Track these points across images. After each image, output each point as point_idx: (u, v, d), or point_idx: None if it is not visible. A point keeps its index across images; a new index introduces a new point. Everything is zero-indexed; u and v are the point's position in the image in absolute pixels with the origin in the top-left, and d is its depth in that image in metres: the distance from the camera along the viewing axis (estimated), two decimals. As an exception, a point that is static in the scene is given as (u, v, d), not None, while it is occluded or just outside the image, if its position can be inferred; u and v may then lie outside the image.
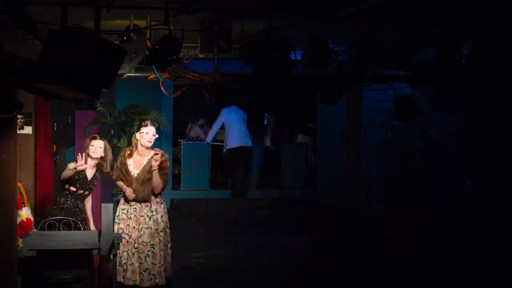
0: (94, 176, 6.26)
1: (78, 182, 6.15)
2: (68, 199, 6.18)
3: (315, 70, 6.19)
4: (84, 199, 6.30)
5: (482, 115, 11.48)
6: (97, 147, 6.19)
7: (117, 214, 6.05)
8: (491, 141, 11.10)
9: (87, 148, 6.19)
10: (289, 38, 5.73)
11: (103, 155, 6.21)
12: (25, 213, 5.22)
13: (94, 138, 6.29)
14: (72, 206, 6.17)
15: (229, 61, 6.91)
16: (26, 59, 4.13)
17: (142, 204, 6.00)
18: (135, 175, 5.99)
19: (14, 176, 4.78)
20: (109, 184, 8.48)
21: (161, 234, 6.03)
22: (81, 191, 6.21)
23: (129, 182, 5.99)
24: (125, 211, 6.02)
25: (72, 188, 6.18)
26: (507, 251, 8.29)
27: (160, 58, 5.50)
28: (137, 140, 6.03)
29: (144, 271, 5.89)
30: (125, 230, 5.94)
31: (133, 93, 9.89)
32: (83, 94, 3.87)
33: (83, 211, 6.27)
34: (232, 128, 11.33)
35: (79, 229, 5.83)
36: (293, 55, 5.86)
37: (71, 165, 6.06)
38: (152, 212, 6.04)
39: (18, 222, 4.98)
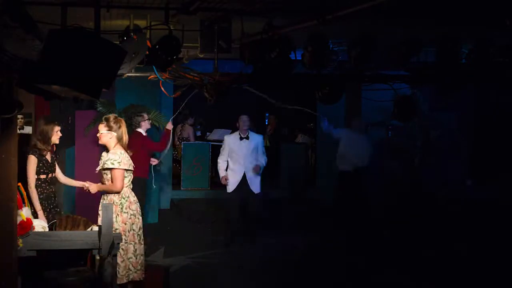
0: (52, 158, 6.57)
1: (45, 168, 6.37)
2: (43, 187, 6.37)
3: (315, 70, 6.18)
4: (55, 181, 6.58)
5: (482, 115, 11.49)
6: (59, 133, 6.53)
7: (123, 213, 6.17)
8: (491, 141, 11.11)
9: (53, 133, 6.44)
10: (289, 38, 5.72)
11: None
12: (25, 213, 5.21)
13: (58, 124, 6.58)
14: (49, 192, 6.44)
15: (229, 61, 6.90)
16: (26, 59, 4.13)
17: (134, 199, 6.32)
18: None
19: (14, 176, 4.78)
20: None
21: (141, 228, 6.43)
22: (51, 175, 6.47)
23: None
24: (134, 207, 6.23)
25: (42, 176, 6.37)
26: (507, 251, 8.30)
27: (160, 58, 5.49)
28: None
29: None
30: (134, 225, 6.20)
31: (133, 93, 9.88)
32: (83, 94, 3.87)
33: (56, 194, 6.64)
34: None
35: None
36: (293, 55, 5.85)
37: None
38: (138, 207, 6.39)
39: (18, 222, 4.98)
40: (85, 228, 5.56)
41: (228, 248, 8.70)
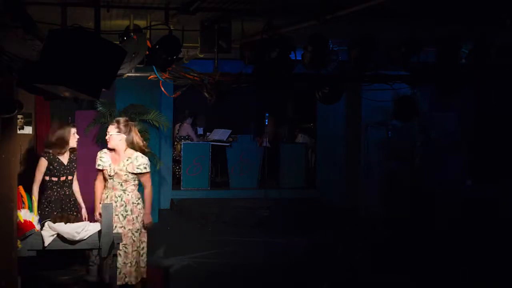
0: (70, 160, 6.33)
1: (56, 170, 6.21)
2: (54, 189, 6.24)
3: (315, 70, 6.18)
4: (70, 186, 6.35)
5: (482, 115, 11.49)
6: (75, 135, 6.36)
7: None
8: (491, 141, 11.10)
9: (69, 136, 6.27)
10: (289, 38, 5.72)
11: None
12: (23, 214, 5.21)
13: (73, 125, 6.42)
14: (60, 196, 6.25)
15: (229, 61, 6.90)
16: (26, 59, 4.13)
17: (117, 203, 6.00)
18: (114, 171, 6.04)
19: (14, 176, 4.79)
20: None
21: (135, 234, 6.06)
22: (64, 178, 6.28)
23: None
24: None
25: (54, 178, 6.23)
26: (505, 250, 8.30)
27: (160, 58, 5.49)
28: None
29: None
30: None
31: (133, 93, 9.88)
32: (83, 94, 3.86)
33: (71, 197, 6.35)
34: None
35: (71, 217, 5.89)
36: (293, 55, 5.85)
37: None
38: (126, 212, 6.03)
39: (17, 222, 4.98)
40: None
41: (228, 248, 8.70)
